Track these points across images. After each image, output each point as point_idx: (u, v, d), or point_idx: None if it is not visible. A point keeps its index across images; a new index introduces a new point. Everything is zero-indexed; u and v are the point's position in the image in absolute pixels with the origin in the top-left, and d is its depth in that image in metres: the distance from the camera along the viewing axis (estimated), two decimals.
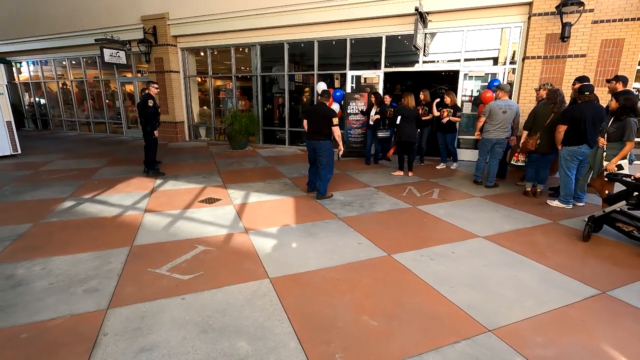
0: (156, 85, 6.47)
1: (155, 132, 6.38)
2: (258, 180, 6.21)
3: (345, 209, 4.63)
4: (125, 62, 10.90)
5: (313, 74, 9.22)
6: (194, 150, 9.50)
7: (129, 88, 12.37)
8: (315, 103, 5.00)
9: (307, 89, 10.00)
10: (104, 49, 10.22)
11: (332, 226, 4.05)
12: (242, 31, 9.38)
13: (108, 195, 5.31)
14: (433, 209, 4.64)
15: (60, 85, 13.63)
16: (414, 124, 6.27)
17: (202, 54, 10.70)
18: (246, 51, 10.09)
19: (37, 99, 14.55)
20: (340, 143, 5.07)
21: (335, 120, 4.84)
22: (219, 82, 11.39)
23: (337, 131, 4.89)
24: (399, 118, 6.28)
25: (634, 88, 6.93)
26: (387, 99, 7.25)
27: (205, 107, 11.33)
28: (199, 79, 11.34)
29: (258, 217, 4.39)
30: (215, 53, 10.56)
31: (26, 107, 14.90)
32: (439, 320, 2.35)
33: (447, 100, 6.75)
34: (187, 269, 3.02)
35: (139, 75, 11.84)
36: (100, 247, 3.46)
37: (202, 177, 6.39)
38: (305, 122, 5.06)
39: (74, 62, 12.91)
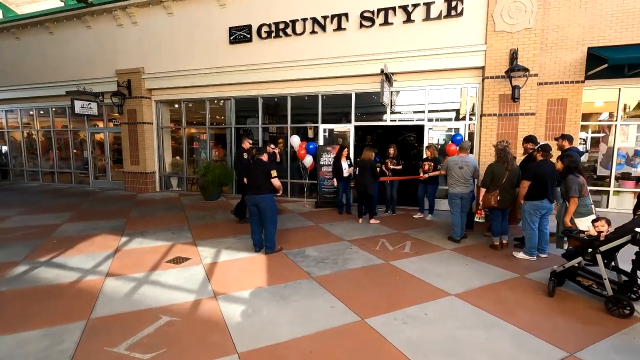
0: (250, 141, 7.14)
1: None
2: (230, 235, 6.08)
3: (318, 267, 4.57)
4: (96, 114, 10.83)
5: (287, 126, 9.49)
6: (165, 201, 9.27)
7: (99, 137, 12.17)
8: (254, 159, 5.30)
9: (281, 140, 10.23)
10: (75, 101, 10.15)
11: (305, 287, 3.96)
12: (217, 86, 9.67)
13: (68, 256, 4.99)
14: (405, 264, 4.67)
15: (25, 135, 13.21)
16: (369, 175, 6.70)
17: (176, 105, 10.84)
18: (221, 103, 10.34)
19: None
20: (279, 189, 5.21)
21: (274, 173, 5.00)
22: (193, 130, 11.45)
23: (276, 182, 5.02)
24: (357, 169, 7.02)
25: (580, 138, 7.62)
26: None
27: (178, 157, 11.26)
28: (173, 128, 11.37)
29: (228, 278, 4.24)
30: (190, 105, 10.74)
31: None
32: None
33: (427, 153, 7.13)
34: (148, 346, 2.81)
35: (111, 125, 11.74)
36: (53, 322, 3.18)
37: (171, 233, 6.18)
38: (246, 179, 5.26)
39: (42, 111, 12.67)
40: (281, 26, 8.64)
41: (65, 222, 6.95)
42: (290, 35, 8.61)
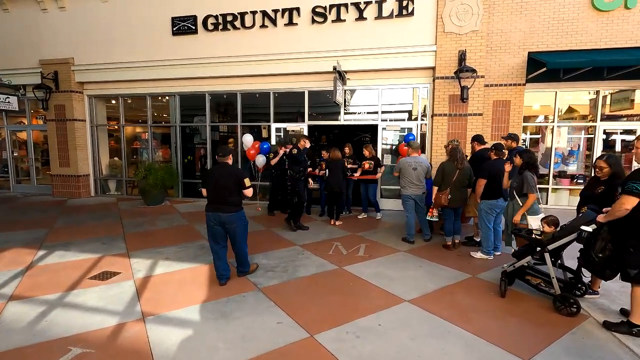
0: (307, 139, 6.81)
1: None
2: (171, 243, 5.49)
3: (266, 276, 4.19)
4: (16, 109, 9.51)
5: (237, 125, 8.98)
6: (99, 207, 8.32)
7: (22, 135, 10.73)
8: (217, 164, 4.10)
9: (231, 140, 9.65)
10: None
11: (250, 300, 3.58)
12: (159, 80, 8.90)
13: None
14: (359, 268, 4.44)
15: None
16: (340, 174, 6.56)
17: (113, 101, 9.85)
18: (164, 100, 9.56)
19: None
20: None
21: (248, 182, 3.91)
22: (137, 129, 10.47)
23: (249, 193, 3.99)
24: (326, 171, 6.67)
25: (522, 139, 7.97)
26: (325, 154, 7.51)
27: (116, 158, 10.23)
28: (110, 126, 10.32)
29: (162, 295, 3.73)
30: (129, 101, 9.82)
31: None
32: None
33: (366, 153, 7.02)
34: None
35: (38, 122, 10.40)
36: None
37: (101, 244, 5.46)
38: (204, 190, 3.97)
39: None
40: (229, 18, 8.12)
41: None
42: (239, 28, 8.12)
